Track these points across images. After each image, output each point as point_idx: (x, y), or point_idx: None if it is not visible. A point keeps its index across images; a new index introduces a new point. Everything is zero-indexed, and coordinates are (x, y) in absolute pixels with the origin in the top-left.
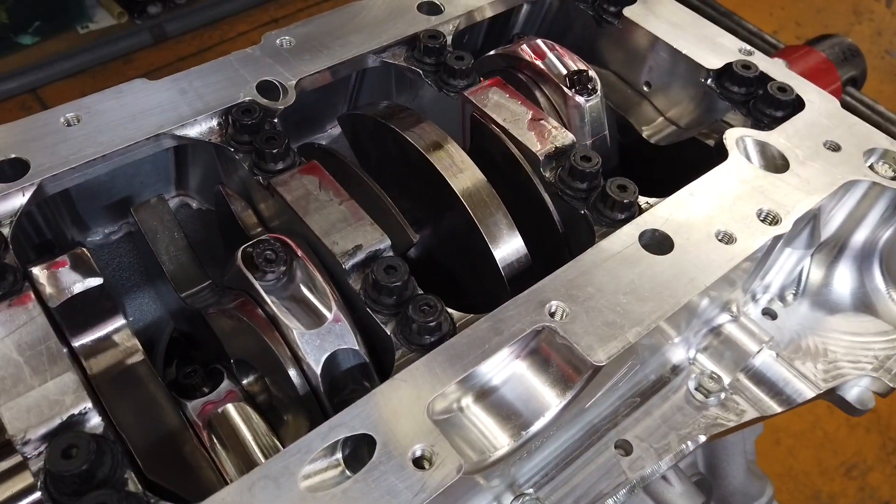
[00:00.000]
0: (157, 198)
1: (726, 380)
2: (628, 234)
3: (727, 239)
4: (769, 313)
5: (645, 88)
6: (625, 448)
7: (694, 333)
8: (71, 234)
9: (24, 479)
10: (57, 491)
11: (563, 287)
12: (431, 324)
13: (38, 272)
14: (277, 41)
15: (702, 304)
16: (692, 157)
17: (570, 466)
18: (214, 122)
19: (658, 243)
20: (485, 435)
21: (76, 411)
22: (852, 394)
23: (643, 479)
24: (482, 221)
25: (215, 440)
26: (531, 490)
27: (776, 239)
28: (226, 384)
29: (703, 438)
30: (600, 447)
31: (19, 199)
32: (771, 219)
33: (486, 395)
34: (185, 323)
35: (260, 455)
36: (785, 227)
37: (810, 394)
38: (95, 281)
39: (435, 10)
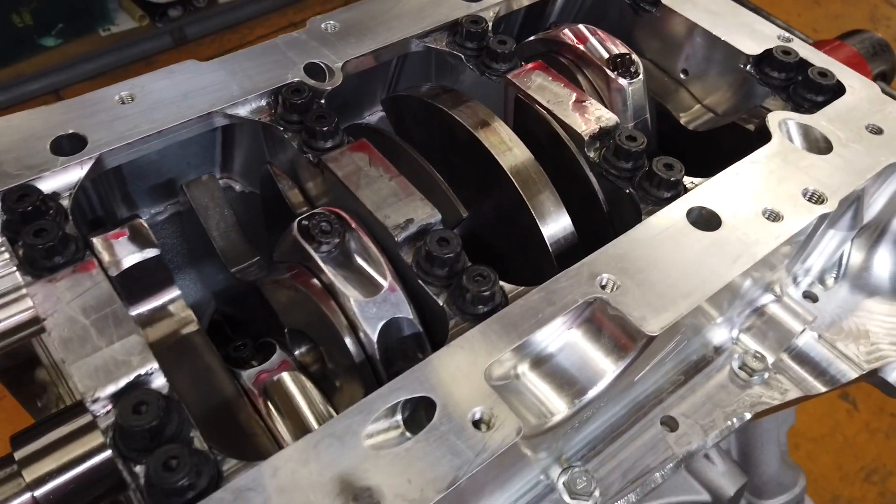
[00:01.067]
0: (209, 175)
1: (770, 359)
2: (676, 211)
3: (774, 217)
4: (810, 296)
5: (682, 76)
6: (670, 424)
7: (737, 313)
8: (120, 212)
9: (94, 439)
10: (126, 447)
11: (613, 260)
12: (485, 293)
13: (99, 242)
14: (322, 25)
15: (748, 282)
16: (731, 142)
17: (617, 441)
18: (263, 102)
19: (706, 220)
20: (541, 401)
21: (143, 371)
22: (894, 376)
23: (689, 454)
24: (531, 199)
25: (271, 407)
26: (579, 463)
27: (822, 218)
28: (278, 355)
29: (748, 416)
30: (646, 423)
31: (77, 173)
32: (816, 198)
33: (541, 363)
34: (229, 303)
35: (315, 423)
36: (831, 206)
37: (853, 374)
38: (153, 251)
39: None
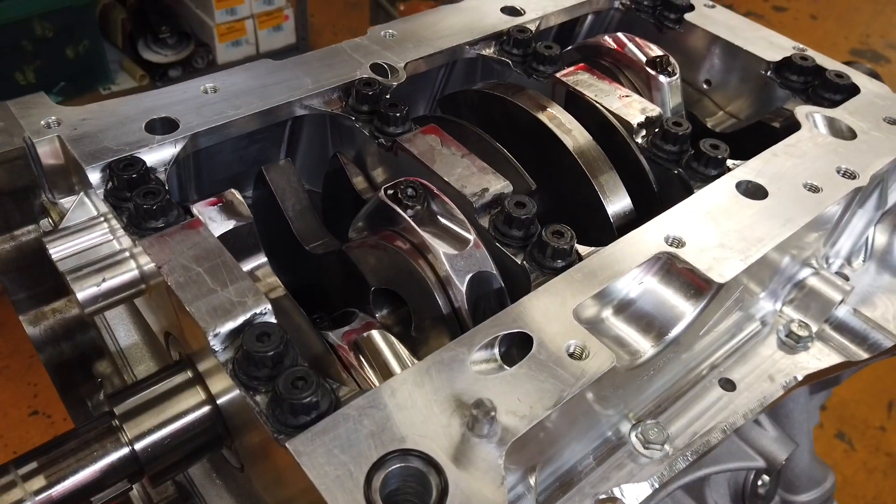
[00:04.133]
0: (286, 161)
1: (813, 328)
2: (726, 183)
3: (814, 189)
4: (841, 276)
5: (704, 86)
6: (727, 387)
7: (780, 286)
8: (193, 197)
9: (193, 396)
10: (248, 376)
11: (675, 223)
12: (565, 247)
13: (198, 207)
14: (382, 33)
15: (794, 250)
16: (758, 140)
17: (680, 401)
18: (335, 96)
19: (753, 191)
20: (628, 342)
21: (257, 310)
22: None
23: (751, 412)
24: (595, 178)
25: (362, 360)
26: (649, 418)
27: (856, 191)
28: (360, 318)
29: (799, 377)
30: (705, 384)
31: (171, 150)
32: (849, 174)
33: (624, 308)
34: (300, 279)
35: None
36: (863, 181)
37: (889, 343)
38: (247, 218)
39: (516, 13)
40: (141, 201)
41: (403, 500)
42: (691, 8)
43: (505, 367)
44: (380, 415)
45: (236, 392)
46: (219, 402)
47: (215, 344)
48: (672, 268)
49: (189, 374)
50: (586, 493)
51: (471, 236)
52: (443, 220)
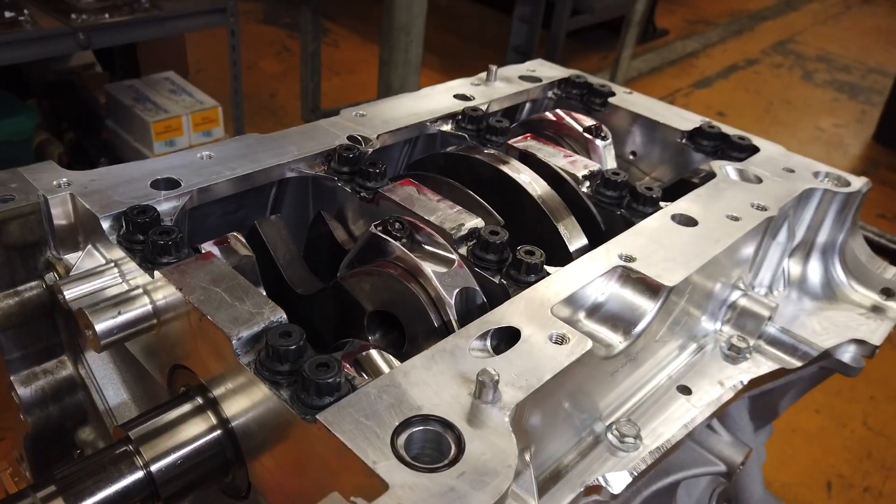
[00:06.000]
0: (276, 216)
1: (750, 341)
2: (661, 216)
3: (734, 218)
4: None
5: (631, 157)
6: (685, 392)
7: (718, 308)
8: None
9: (205, 422)
10: (270, 371)
11: (624, 246)
12: (537, 262)
13: (206, 246)
14: (353, 113)
15: (725, 266)
16: (682, 194)
17: (644, 405)
18: (317, 160)
19: (686, 221)
20: (601, 338)
21: (274, 319)
22: (846, 357)
23: (707, 409)
24: (559, 222)
25: (364, 376)
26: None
27: (768, 220)
28: (356, 342)
29: (745, 381)
30: (665, 389)
31: (175, 203)
32: (761, 207)
33: (594, 311)
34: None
35: None
36: (773, 212)
37: (815, 353)
38: (249, 255)
39: (466, 98)
40: (156, 238)
41: (426, 455)
42: (612, 94)
43: (497, 357)
44: (396, 391)
45: (260, 393)
46: (234, 420)
47: (238, 348)
48: (628, 278)
49: (200, 400)
50: (574, 482)
51: (454, 257)
52: (428, 247)
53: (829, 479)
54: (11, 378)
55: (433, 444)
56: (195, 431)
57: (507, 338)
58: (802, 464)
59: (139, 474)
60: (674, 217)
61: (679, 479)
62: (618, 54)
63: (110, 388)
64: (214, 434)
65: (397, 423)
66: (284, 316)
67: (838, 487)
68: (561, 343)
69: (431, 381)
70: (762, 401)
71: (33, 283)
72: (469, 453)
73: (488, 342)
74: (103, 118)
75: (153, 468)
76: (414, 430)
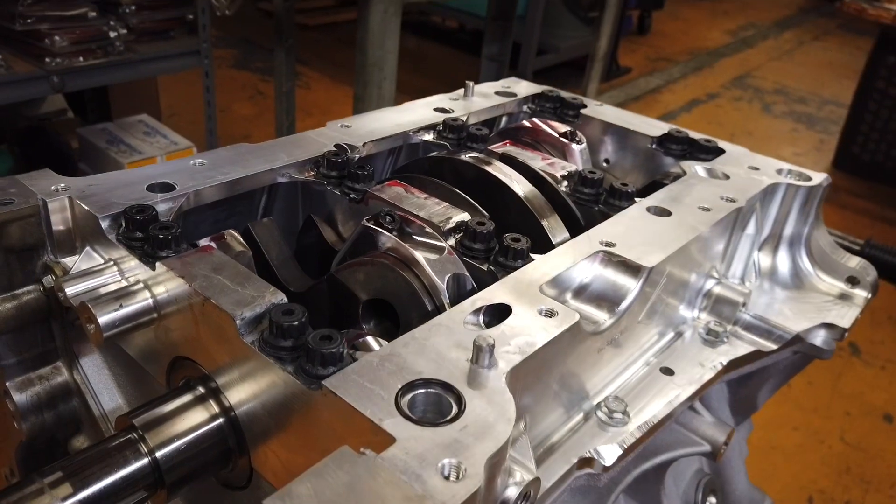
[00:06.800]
0: (269, 219)
1: (727, 326)
2: (637, 208)
3: (705, 209)
4: None
5: (604, 164)
6: (668, 373)
7: (694, 296)
8: None
9: (208, 410)
10: (273, 347)
11: (604, 234)
12: (523, 248)
13: (204, 242)
14: (339, 125)
15: (697, 254)
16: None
17: (629, 385)
18: (307, 166)
19: (660, 212)
20: (589, 315)
21: (275, 301)
22: (818, 340)
23: (690, 387)
24: (542, 220)
25: None
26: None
27: (737, 210)
28: (350, 332)
29: (724, 362)
30: (649, 371)
31: (169, 205)
32: (730, 200)
33: (581, 293)
34: None
35: None
36: (742, 203)
37: (788, 336)
38: (245, 251)
39: (445, 111)
40: (157, 232)
41: (428, 415)
42: (584, 106)
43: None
44: (397, 359)
45: (264, 370)
46: (238, 407)
47: (241, 328)
48: (610, 261)
49: (202, 390)
50: (569, 455)
51: (444, 245)
52: (418, 237)
53: (811, 494)
54: (8, 384)
55: (435, 406)
56: (199, 419)
57: (498, 313)
58: (783, 480)
59: (144, 461)
60: (649, 209)
61: (666, 461)
62: (583, 90)
63: (105, 393)
64: (217, 422)
65: (400, 387)
66: (285, 298)
67: (819, 503)
68: (550, 316)
69: (430, 351)
70: (742, 392)
71: (30, 287)
72: (470, 411)
73: (481, 318)
74: (76, 162)
75: (158, 454)
76: (417, 392)
